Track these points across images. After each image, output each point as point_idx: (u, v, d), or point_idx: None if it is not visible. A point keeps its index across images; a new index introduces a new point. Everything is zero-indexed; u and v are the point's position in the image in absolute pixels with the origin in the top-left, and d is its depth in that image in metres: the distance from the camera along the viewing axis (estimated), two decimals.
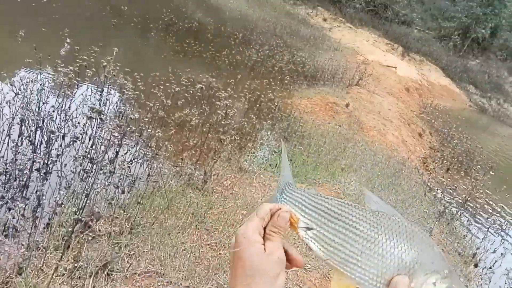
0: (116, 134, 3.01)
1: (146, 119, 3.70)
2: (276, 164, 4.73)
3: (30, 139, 3.23)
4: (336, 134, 6.70)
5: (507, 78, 24.02)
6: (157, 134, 3.68)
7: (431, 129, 10.65)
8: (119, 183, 3.19)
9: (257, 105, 5.96)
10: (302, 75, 9.84)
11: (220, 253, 2.71)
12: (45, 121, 3.34)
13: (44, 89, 3.57)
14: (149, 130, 3.52)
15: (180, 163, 3.80)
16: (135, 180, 3.41)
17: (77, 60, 4.08)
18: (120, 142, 3.69)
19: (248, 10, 15.56)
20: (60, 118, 3.65)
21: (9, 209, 2.48)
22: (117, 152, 3.50)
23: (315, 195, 0.64)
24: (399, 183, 5.59)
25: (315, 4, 21.41)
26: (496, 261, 4.77)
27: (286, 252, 0.60)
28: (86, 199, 2.60)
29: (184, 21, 9.99)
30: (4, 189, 2.65)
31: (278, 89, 7.52)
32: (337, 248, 0.59)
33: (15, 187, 2.68)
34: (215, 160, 3.78)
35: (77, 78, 3.83)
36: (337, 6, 21.97)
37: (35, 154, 2.90)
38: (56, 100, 3.67)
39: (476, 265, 4.68)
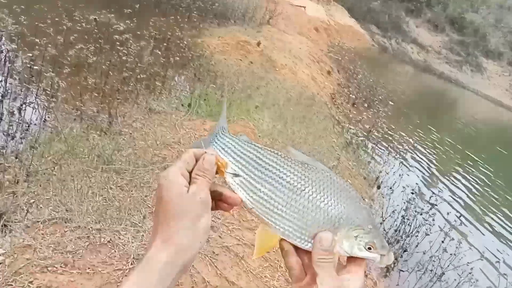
0: None
1: (33, 58, 3.24)
2: (189, 104, 4.57)
3: None
4: (248, 72, 6.65)
5: (404, 18, 25.73)
6: (49, 75, 3.28)
7: (339, 67, 11.14)
8: (9, 130, 2.85)
9: (165, 44, 5.60)
10: (212, 13, 9.45)
11: (132, 194, 2.59)
12: None
13: None
14: (36, 68, 3.11)
15: (81, 106, 3.47)
16: (28, 126, 3.06)
17: None
18: (5, 85, 3.24)
19: None
20: None
21: None
22: (2, 96, 3.08)
23: (246, 143, 0.63)
24: (310, 117, 5.81)
25: None
26: (395, 182, 5.30)
27: (220, 193, 0.59)
28: None
29: None
30: None
31: (186, 27, 7.14)
32: (263, 197, 0.59)
33: None
34: (119, 101, 3.51)
35: None
36: None
37: None
38: None
39: (378, 187, 5.15)
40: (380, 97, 8.72)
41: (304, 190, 0.57)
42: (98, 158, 2.80)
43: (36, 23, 3.73)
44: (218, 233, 2.64)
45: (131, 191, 2.62)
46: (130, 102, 3.92)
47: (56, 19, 4.43)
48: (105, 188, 2.55)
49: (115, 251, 2.16)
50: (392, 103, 7.57)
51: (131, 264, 2.12)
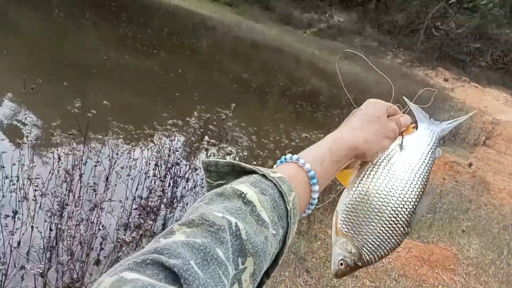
0: None
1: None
2: None
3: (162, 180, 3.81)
4: (455, 193, 6.21)
5: None
6: None
7: None
8: None
9: None
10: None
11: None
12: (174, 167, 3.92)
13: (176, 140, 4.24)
14: None
15: None
16: None
17: (203, 118, 4.76)
18: None
19: (362, 74, 15.86)
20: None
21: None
22: None
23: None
24: None
25: (435, 64, 20.74)
26: None
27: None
28: None
29: (297, 85, 10.67)
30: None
31: None
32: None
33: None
34: (318, 208, 3.89)
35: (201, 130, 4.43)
36: (460, 66, 20.91)
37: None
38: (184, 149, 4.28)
39: None
40: None
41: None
42: (294, 256, 3.14)
43: (263, 140, 4.68)
44: None
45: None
46: (327, 209, 4.26)
47: (277, 137, 5.42)
48: (296, 283, 2.81)
49: None
50: None
51: None
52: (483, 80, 19.64)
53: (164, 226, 3.12)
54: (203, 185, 4.01)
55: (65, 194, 2.84)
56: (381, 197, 0.61)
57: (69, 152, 3.31)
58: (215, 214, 0.42)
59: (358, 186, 0.63)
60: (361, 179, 0.63)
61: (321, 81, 12.71)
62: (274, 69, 12.92)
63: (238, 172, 0.52)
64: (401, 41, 22.82)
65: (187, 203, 3.58)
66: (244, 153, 4.61)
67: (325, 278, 2.92)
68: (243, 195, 0.46)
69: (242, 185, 0.48)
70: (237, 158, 4.43)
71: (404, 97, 0.76)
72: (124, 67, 7.93)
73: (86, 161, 3.53)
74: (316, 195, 0.56)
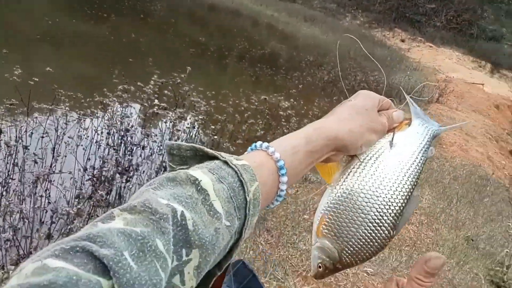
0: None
1: (215, 131, 3.98)
2: None
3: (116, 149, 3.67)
4: None
5: None
6: (225, 145, 3.95)
7: None
8: None
9: None
10: (377, 93, 9.64)
11: (279, 251, 2.80)
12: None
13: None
14: (216, 138, 3.78)
15: None
16: None
17: (157, 83, 4.58)
18: None
19: (321, 36, 15.81)
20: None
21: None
22: None
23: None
24: (480, 199, 5.19)
25: (392, 26, 21.01)
26: None
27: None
28: None
29: (256, 48, 10.50)
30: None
31: None
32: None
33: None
34: None
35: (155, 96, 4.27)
36: (416, 26, 21.31)
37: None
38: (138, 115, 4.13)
39: None
40: None
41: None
42: None
43: (221, 104, 4.59)
44: None
45: (278, 248, 2.84)
46: None
47: (237, 101, 5.34)
48: (256, 243, 2.84)
49: None
50: None
51: None
52: (437, 40, 20.17)
53: (120, 196, 3.02)
54: (160, 153, 3.91)
55: (8, 169, 2.67)
56: (366, 197, 0.56)
57: (11, 124, 3.10)
58: (159, 201, 0.39)
59: (342, 185, 0.58)
60: (346, 177, 0.59)
61: (281, 44, 12.56)
62: (232, 32, 12.60)
63: (201, 156, 0.48)
64: (359, 2, 22.85)
65: (143, 171, 3.49)
66: (202, 117, 4.51)
67: (285, 236, 2.96)
68: (197, 182, 0.43)
69: (198, 171, 0.44)
70: (195, 124, 4.33)
71: (400, 87, 0.72)
72: (71, 33, 7.45)
73: (31, 133, 3.33)
74: (284, 187, 0.51)
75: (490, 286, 3.26)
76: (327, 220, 0.58)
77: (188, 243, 0.39)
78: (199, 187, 0.42)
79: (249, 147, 0.54)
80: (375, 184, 0.57)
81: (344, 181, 0.58)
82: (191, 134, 4.16)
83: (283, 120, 4.59)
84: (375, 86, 9.51)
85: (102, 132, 3.66)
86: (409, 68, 14.56)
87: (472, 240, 3.75)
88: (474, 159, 6.81)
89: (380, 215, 0.56)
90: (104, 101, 3.53)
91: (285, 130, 4.35)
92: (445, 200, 4.85)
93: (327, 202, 0.58)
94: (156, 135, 3.86)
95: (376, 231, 0.56)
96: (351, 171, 0.59)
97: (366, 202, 0.56)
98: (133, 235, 0.35)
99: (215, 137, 3.81)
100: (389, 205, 0.56)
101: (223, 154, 0.48)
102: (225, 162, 0.46)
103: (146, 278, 0.33)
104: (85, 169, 3.26)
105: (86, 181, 3.17)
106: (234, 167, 0.46)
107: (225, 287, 0.64)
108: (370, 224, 0.56)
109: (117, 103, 3.99)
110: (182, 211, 0.40)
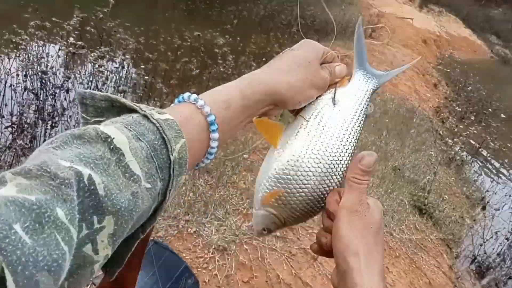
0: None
1: (147, 71, 3.74)
2: (281, 115, 4.75)
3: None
4: None
5: None
6: (159, 86, 3.75)
7: (447, 80, 10.39)
8: None
9: (264, 59, 5.92)
10: (312, 29, 9.63)
11: (219, 191, 2.81)
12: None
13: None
14: (147, 79, 3.57)
15: None
16: None
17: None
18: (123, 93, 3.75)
19: None
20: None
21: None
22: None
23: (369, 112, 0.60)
24: (408, 131, 5.55)
25: None
26: (505, 204, 4.77)
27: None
28: None
29: None
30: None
31: (287, 43, 7.42)
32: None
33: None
34: None
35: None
36: None
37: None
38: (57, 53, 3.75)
39: (484, 207, 4.69)
40: (491, 111, 7.91)
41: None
42: None
43: (151, 41, 4.29)
44: (297, 235, 2.71)
45: (219, 189, 2.85)
46: None
47: (169, 38, 5.02)
48: (196, 185, 2.82)
49: (199, 241, 2.38)
50: (504, 116, 6.81)
51: (212, 253, 2.31)
52: None
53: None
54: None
55: None
56: (315, 162, 0.53)
57: None
58: (60, 164, 0.34)
59: (289, 149, 0.54)
60: (292, 141, 0.55)
61: None
62: None
63: (119, 108, 0.43)
64: None
65: (69, 116, 3.24)
66: (131, 56, 4.21)
67: (225, 176, 2.97)
68: (109, 140, 0.37)
69: (111, 126, 0.39)
70: (124, 63, 4.03)
71: (357, 27, 0.63)
72: None
73: None
74: (215, 144, 0.48)
75: (413, 210, 3.59)
76: (275, 187, 0.55)
77: (100, 210, 0.35)
78: (112, 146, 0.37)
79: (176, 99, 0.49)
80: (322, 147, 0.54)
81: (290, 145, 0.55)
82: (121, 74, 3.89)
83: (219, 58, 4.42)
84: (311, 22, 9.44)
85: (18, 75, 3.29)
86: (344, 2, 14.56)
87: (399, 170, 4.04)
88: (402, 93, 7.19)
89: (328, 179, 0.54)
90: (14, 40, 3.12)
91: (221, 69, 4.21)
92: (376, 134, 5.12)
93: (275, 168, 0.54)
94: (81, 77, 3.55)
95: (324, 193, 0.54)
96: (297, 134, 0.55)
97: (315, 167, 0.54)
98: (26, 204, 0.29)
99: (147, 77, 3.58)
100: (336, 167, 0.55)
101: (142, 106, 0.42)
102: (145, 116, 0.41)
103: (44, 253, 0.29)
104: (1, 116, 2.96)
105: (4, 129, 2.89)
106: (155, 122, 0.41)
107: (150, 276, 0.62)
108: (318, 189, 0.54)
109: (32, 41, 3.57)
110: (89, 174, 0.35)
